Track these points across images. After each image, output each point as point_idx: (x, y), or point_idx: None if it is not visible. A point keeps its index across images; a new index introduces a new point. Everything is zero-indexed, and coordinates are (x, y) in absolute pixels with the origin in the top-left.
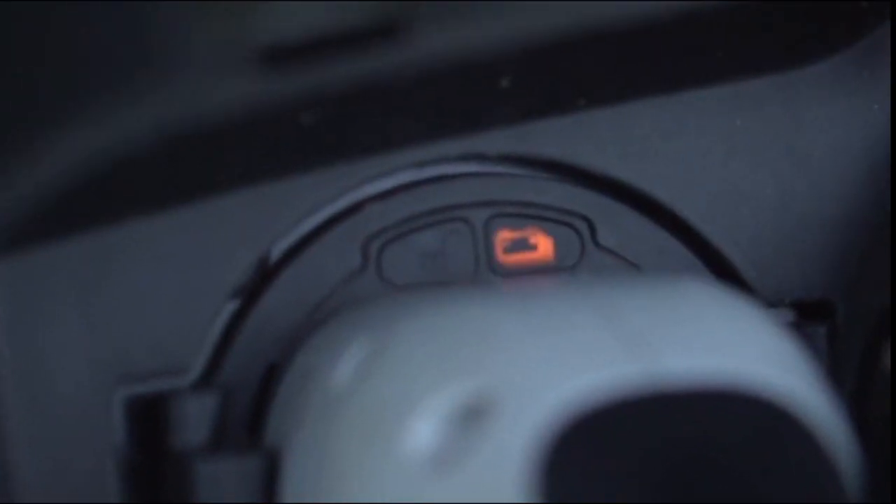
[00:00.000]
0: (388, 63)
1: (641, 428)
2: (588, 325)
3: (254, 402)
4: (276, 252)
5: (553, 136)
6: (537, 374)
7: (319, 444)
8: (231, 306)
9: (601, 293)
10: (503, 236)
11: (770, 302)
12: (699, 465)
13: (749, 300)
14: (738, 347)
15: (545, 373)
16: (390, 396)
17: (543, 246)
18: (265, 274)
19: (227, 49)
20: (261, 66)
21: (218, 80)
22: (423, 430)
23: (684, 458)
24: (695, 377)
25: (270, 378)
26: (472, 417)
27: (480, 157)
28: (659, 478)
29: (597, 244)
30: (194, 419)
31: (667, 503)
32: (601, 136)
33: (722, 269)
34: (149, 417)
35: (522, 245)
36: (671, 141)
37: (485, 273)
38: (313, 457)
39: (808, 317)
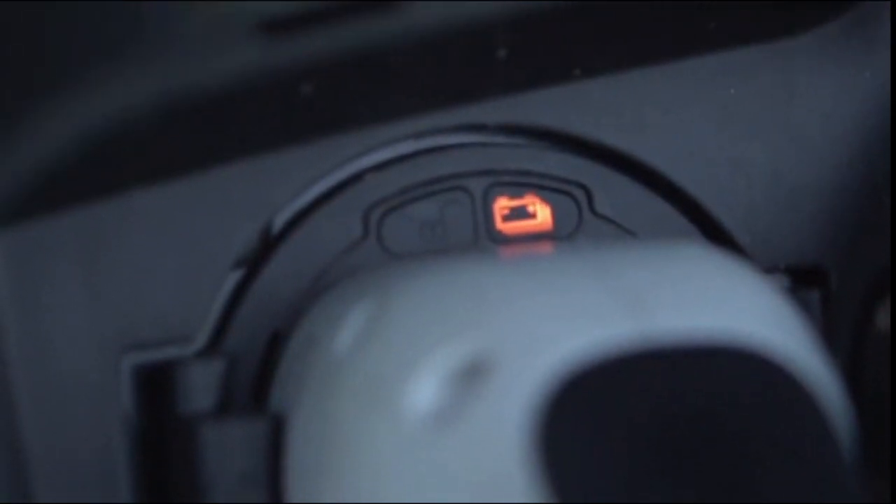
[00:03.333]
0: (385, 32)
1: (638, 385)
2: (584, 285)
3: (258, 370)
4: (279, 222)
5: (550, 106)
6: (534, 333)
7: (322, 407)
8: (234, 276)
9: (598, 256)
10: (502, 205)
11: (764, 268)
12: (695, 420)
13: (744, 263)
14: (733, 307)
15: (542, 332)
16: (390, 359)
17: (542, 214)
18: (268, 244)
19: (226, 18)
20: (260, 35)
21: (217, 49)
22: (422, 391)
23: (680, 414)
24: (690, 335)
25: (274, 346)
26: (470, 377)
27: (478, 127)
28: (655, 434)
29: (594, 212)
30: (200, 386)
31: (663, 459)
32: (597, 106)
33: (717, 236)
34: (155, 385)
35: (521, 213)
36: (666, 110)
37: (484, 241)
38: (317, 420)
39: (801, 282)
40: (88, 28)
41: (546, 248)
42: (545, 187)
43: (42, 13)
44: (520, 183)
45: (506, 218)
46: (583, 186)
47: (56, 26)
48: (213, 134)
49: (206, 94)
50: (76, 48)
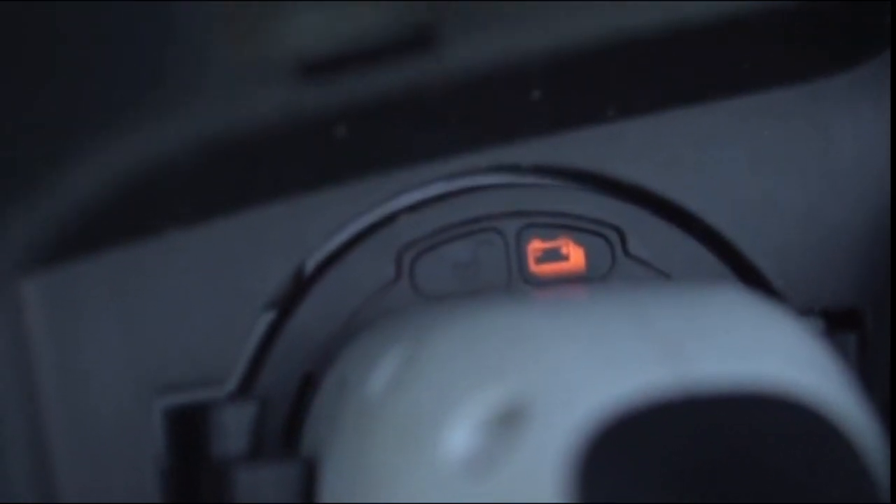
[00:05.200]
0: (419, 75)
1: (675, 432)
2: (621, 330)
3: (290, 412)
4: (311, 264)
5: (583, 147)
6: (571, 379)
7: (356, 451)
8: (267, 317)
9: (633, 300)
10: (535, 246)
11: (799, 311)
12: (733, 468)
13: (780, 307)
14: (770, 352)
15: (579, 378)
16: (425, 403)
17: (575, 256)
18: (300, 285)
19: (260, 61)
20: (294, 78)
21: (252, 92)
22: (458, 436)
23: (718, 461)
24: (728, 381)
25: (306, 388)
26: (507, 423)
27: (512, 169)
28: (693, 481)
29: (627, 254)
30: (233, 429)
31: None
32: (631, 147)
33: (751, 279)
34: (188, 427)
35: (554, 255)
36: (700, 151)
37: (517, 283)
38: (350, 464)
39: (837, 325)
40: (125, 72)
41: (580, 291)
42: (579, 229)
43: (80, 56)
44: (553, 224)
45: (539, 260)
46: (616, 228)
47: (94, 69)
48: (247, 176)
49: (241, 136)
50: (114, 92)
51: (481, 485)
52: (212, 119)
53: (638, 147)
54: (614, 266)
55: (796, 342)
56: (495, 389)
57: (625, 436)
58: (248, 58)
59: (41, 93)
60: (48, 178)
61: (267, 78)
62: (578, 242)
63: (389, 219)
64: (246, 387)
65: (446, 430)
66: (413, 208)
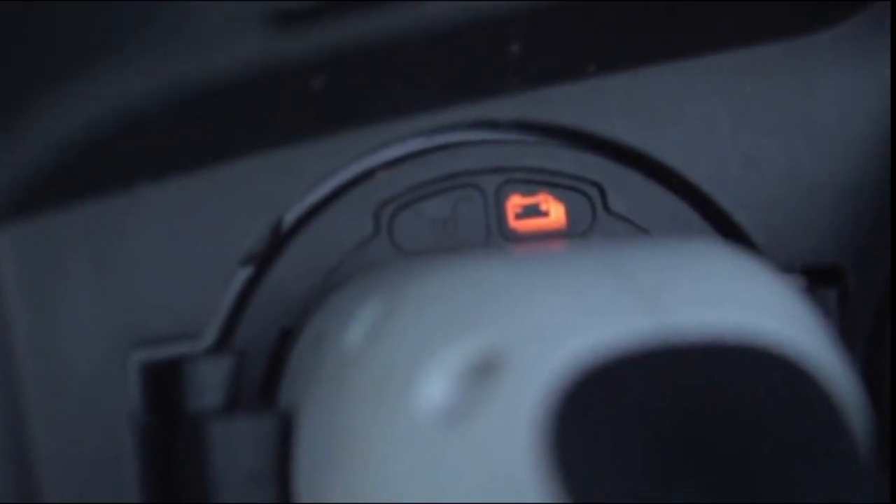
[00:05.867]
0: (397, 26)
1: (652, 381)
2: (598, 282)
3: (267, 367)
4: (289, 219)
5: (563, 103)
6: (547, 329)
7: (332, 404)
8: (244, 272)
9: (612, 253)
10: (514, 202)
11: (781, 267)
12: (709, 418)
13: (760, 261)
14: (749, 303)
15: (555, 328)
16: (401, 355)
17: (555, 212)
18: (278, 240)
19: (236, 10)
20: (270, 28)
21: (227, 42)
22: (434, 387)
23: (694, 411)
24: (706, 331)
25: (284, 343)
26: (482, 373)
27: (491, 124)
28: (669, 431)
29: (608, 210)
30: (209, 383)
31: (677, 457)
32: (612, 103)
33: (732, 235)
34: (163, 382)
35: (534, 211)
36: (681, 107)
37: (496, 239)
38: (326, 417)
39: (818, 282)
40: (97, 18)
41: (559, 245)
42: (558, 185)
43: (51, 3)
44: (533, 181)
45: (518, 216)
46: (596, 184)
47: (63, 16)
48: (223, 128)
49: (216, 86)
50: (84, 39)
51: (457, 435)
52: (186, 69)
53: (619, 103)
54: (594, 222)
55: (775, 294)
56: (471, 341)
57: (601, 386)
58: (224, 7)
59: (8, 40)
60: (16, 127)
61: (242, 27)
62: (558, 198)
63: (367, 174)
64: (223, 341)
65: (422, 381)
66: (392, 164)
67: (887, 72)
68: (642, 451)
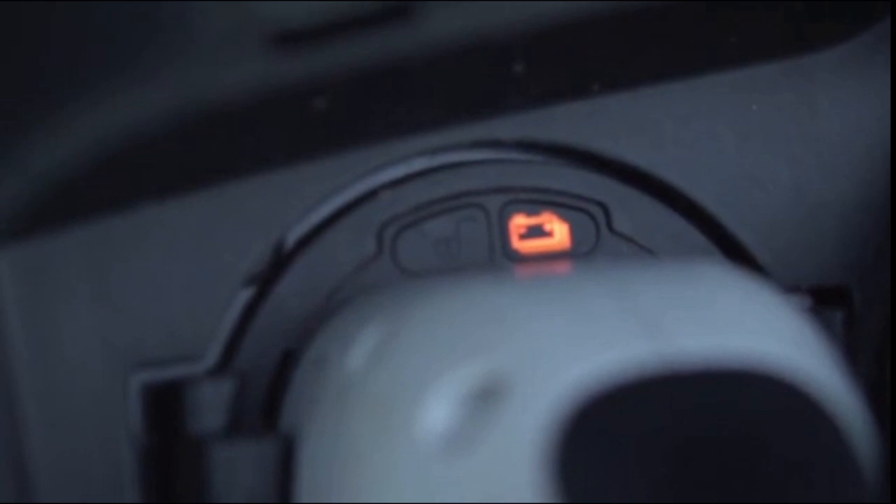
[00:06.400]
0: (400, 46)
1: (655, 408)
2: (601, 306)
3: (269, 389)
4: (291, 239)
5: (567, 122)
6: (550, 354)
7: (334, 428)
8: (246, 293)
9: (615, 276)
10: (518, 223)
11: (786, 288)
12: (713, 444)
13: (765, 283)
14: (754, 328)
15: (558, 353)
16: (403, 379)
17: (559, 232)
18: (280, 261)
19: (239, 31)
20: (273, 48)
21: (230, 62)
22: (436, 412)
23: (698, 437)
24: (709, 357)
25: (285, 364)
26: (485, 399)
27: (494, 144)
28: (672, 456)
29: (612, 230)
30: (210, 405)
31: (681, 483)
32: (616, 122)
33: (737, 255)
34: (164, 403)
35: (538, 231)
36: (685, 126)
37: (500, 260)
38: (328, 441)
39: (824, 302)
40: (99, 39)
41: (563, 267)
42: (562, 205)
43: (52, 24)
44: (536, 200)
45: (522, 236)
46: (601, 204)
47: (66, 37)
48: (226, 148)
49: (218, 107)
50: (87, 59)
51: (459, 462)
52: (189, 90)
53: (623, 122)
54: (599, 242)
55: (780, 318)
56: (474, 365)
57: (604, 412)
58: (226, 27)
59: (14, 61)
60: (19, 147)
61: (245, 48)
62: (562, 218)
63: (371, 194)
64: (224, 363)
65: (424, 406)
66: (394, 184)
67: (890, 90)
68: (646, 477)
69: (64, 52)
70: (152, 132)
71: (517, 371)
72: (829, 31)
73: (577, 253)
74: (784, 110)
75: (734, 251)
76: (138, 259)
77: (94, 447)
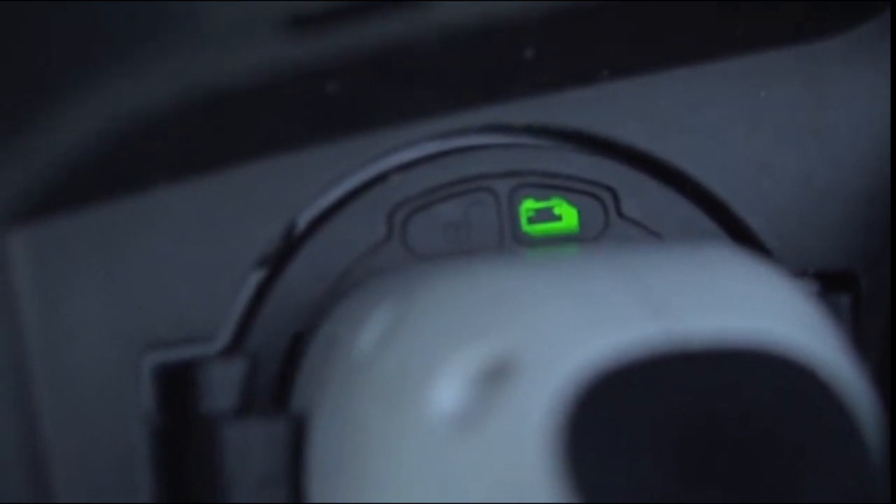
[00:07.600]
0: (411, 30)
1: (664, 387)
2: (611, 287)
3: (280, 370)
4: (302, 222)
5: (577, 107)
6: (560, 334)
7: (345, 408)
8: (257, 275)
9: (624, 259)
10: (528, 207)
11: (794, 273)
12: (721, 423)
13: (772, 266)
14: (761, 309)
15: (568, 333)
16: (413, 360)
17: (568, 216)
18: (291, 243)
19: (252, 14)
20: (285, 32)
21: (242, 45)
22: (446, 392)
23: (706, 417)
24: (718, 337)
25: (296, 346)
26: (495, 379)
27: (505, 128)
28: (681, 436)
29: (621, 214)
30: (222, 386)
31: (689, 462)
32: (625, 107)
33: (745, 240)
34: (176, 384)
35: (547, 215)
36: (695, 112)
37: (509, 243)
38: (339, 421)
39: (831, 287)
40: (112, 21)
41: (572, 250)
42: (572, 189)
43: (62, 7)
44: (546, 185)
45: (531, 220)
46: (610, 189)
47: (78, 20)
48: (237, 131)
49: (230, 90)
50: (99, 42)
51: (469, 442)
52: (201, 73)
53: (632, 107)
54: (607, 227)
55: (788, 300)
56: (484, 345)
57: (613, 391)
58: (239, 11)
59: (24, 44)
60: (31, 130)
61: (257, 31)
62: (571, 203)
63: (381, 178)
64: (236, 344)
65: (435, 386)
66: (405, 167)
67: None
68: (654, 457)
69: (74, 35)
70: (163, 115)
71: (526, 351)
72: (838, 18)
73: (586, 237)
74: (793, 97)
75: (742, 236)
76: (149, 241)
77: (106, 428)
